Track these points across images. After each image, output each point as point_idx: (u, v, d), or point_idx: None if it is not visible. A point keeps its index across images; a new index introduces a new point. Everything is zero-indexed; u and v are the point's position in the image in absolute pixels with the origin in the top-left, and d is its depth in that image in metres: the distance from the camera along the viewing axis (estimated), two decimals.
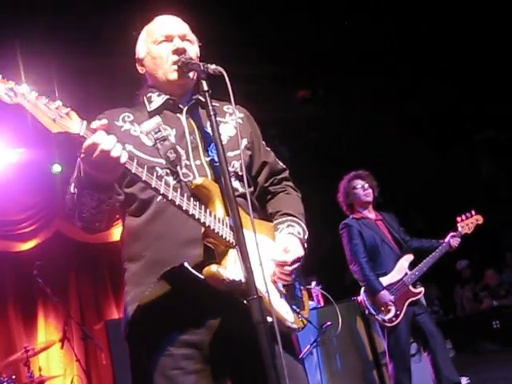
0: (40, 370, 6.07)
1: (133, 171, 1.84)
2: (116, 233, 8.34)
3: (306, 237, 2.29)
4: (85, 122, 1.80)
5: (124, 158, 1.81)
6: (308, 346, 5.57)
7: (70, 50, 6.03)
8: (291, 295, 2.19)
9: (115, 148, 1.79)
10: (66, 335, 6.32)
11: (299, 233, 2.26)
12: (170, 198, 1.89)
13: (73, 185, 1.99)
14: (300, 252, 2.18)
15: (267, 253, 2.12)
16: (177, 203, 1.89)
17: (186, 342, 2.01)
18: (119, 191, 2.12)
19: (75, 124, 1.78)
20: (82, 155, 1.82)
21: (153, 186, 1.86)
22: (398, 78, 8.19)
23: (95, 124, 1.83)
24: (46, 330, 7.70)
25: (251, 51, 6.83)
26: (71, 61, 6.20)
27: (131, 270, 2.13)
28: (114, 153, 1.78)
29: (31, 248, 7.66)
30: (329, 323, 5.73)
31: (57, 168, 7.63)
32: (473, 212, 5.45)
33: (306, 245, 2.26)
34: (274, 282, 2.13)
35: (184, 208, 1.90)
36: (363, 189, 5.35)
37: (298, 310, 2.18)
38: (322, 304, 6.41)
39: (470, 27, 7.44)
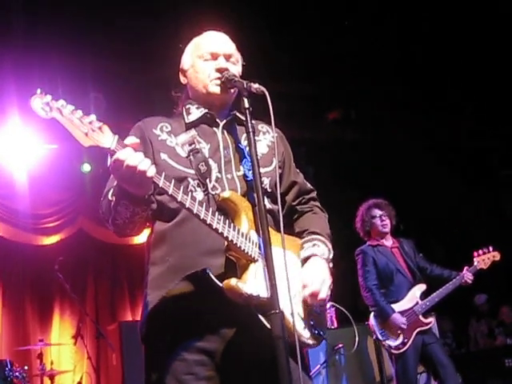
0: (52, 363, 6.15)
1: (160, 185, 1.91)
2: (138, 236, 8.45)
3: (331, 256, 2.33)
4: (116, 137, 1.87)
5: (151, 173, 1.88)
6: (318, 366, 5.59)
7: (107, 54, 6.18)
8: (309, 311, 2.22)
9: (142, 163, 1.86)
10: (80, 332, 6.42)
11: (323, 253, 2.30)
12: (195, 213, 1.95)
13: (111, 192, 2.06)
14: (327, 278, 2.22)
15: (292, 269, 2.16)
16: (201, 217, 1.95)
17: (200, 348, 2.05)
18: (153, 200, 2.18)
19: (107, 138, 1.85)
20: (112, 170, 1.90)
21: (179, 200, 1.93)
22: (430, 106, 8.20)
23: (128, 140, 1.91)
24: (61, 326, 7.78)
25: (282, 68, 6.87)
26: (108, 66, 6.34)
27: (153, 273, 2.18)
28: (140, 167, 1.85)
29: (53, 243, 7.76)
30: (340, 345, 5.75)
31: (86, 167, 7.76)
32: (490, 248, 5.44)
33: (331, 264, 2.31)
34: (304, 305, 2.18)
35: (208, 222, 1.96)
36: (381, 219, 5.40)
37: (315, 326, 2.22)
38: (336, 325, 6.43)
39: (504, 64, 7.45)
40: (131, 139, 1.92)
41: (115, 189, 2.02)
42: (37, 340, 6.33)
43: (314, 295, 2.16)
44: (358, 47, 6.97)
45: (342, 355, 5.75)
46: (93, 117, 1.84)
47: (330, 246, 2.36)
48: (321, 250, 2.30)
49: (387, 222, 5.40)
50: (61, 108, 1.78)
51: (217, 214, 1.99)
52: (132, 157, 1.85)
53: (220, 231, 1.98)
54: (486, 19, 6.79)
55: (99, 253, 8.30)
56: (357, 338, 5.14)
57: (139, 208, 2.03)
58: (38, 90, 1.77)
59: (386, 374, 5.93)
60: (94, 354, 6.72)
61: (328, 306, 6.45)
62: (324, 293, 2.18)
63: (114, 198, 2.03)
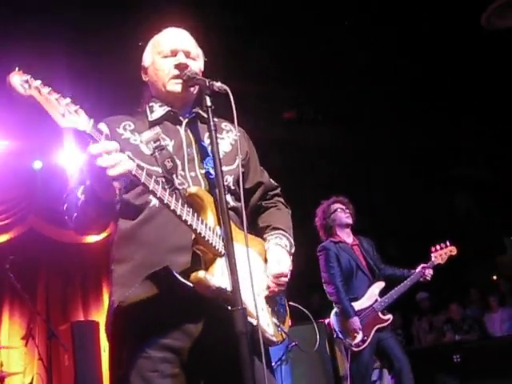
0: (1, 365, 6.01)
1: (133, 172, 1.89)
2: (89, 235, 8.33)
3: (292, 250, 2.40)
4: (92, 120, 1.85)
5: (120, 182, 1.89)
6: (273, 363, 5.61)
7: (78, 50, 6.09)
8: (273, 309, 2.26)
9: (116, 167, 1.83)
10: (31, 333, 6.29)
11: (286, 245, 2.37)
12: (165, 202, 1.94)
13: (81, 189, 2.04)
14: (289, 263, 2.30)
15: (254, 266, 2.18)
16: (172, 207, 1.95)
17: (166, 346, 2.05)
18: (119, 201, 2.15)
19: (83, 121, 1.83)
20: (87, 163, 1.87)
21: (150, 188, 1.91)
22: (389, 105, 8.35)
23: (102, 127, 1.89)
24: (10, 327, 7.59)
25: (239, 66, 6.89)
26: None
27: (118, 271, 2.17)
28: (110, 172, 1.83)
29: (3, 242, 7.57)
30: (295, 342, 5.80)
31: (38, 164, 7.61)
32: (447, 243, 5.57)
33: (291, 257, 2.37)
34: (266, 294, 2.22)
35: (178, 213, 1.96)
36: (344, 212, 5.47)
37: (278, 324, 2.25)
38: (290, 324, 6.47)
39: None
40: (105, 127, 1.91)
41: (86, 188, 1.99)
42: None
43: (279, 275, 2.22)
44: (321, 46, 7.04)
45: (297, 352, 5.79)
46: (68, 99, 1.82)
47: (291, 240, 2.43)
48: (283, 242, 2.37)
49: (349, 214, 5.48)
50: (39, 87, 1.76)
51: (186, 206, 2.00)
52: (108, 157, 1.82)
53: (189, 223, 1.97)
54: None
55: (51, 251, 8.13)
56: (318, 336, 5.18)
57: (105, 211, 2.02)
58: (17, 68, 1.75)
59: (340, 371, 6.02)
60: (45, 354, 6.57)
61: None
62: (286, 276, 2.26)
63: (83, 197, 2.01)
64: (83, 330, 6.99)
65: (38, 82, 1.77)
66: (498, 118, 8.61)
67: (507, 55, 7.16)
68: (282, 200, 2.61)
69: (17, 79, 1.73)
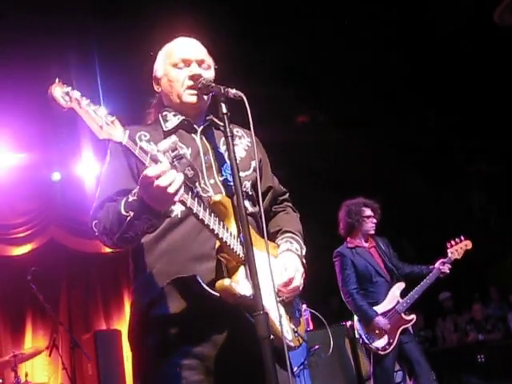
0: (26, 375, 6.05)
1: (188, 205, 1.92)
2: None
3: (303, 253, 2.38)
4: (127, 132, 1.86)
5: (179, 196, 1.86)
6: (295, 368, 5.61)
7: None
8: (290, 314, 2.26)
9: (173, 184, 1.84)
10: (54, 343, 6.32)
11: (297, 249, 2.35)
12: (194, 212, 1.95)
13: (123, 206, 1.97)
14: (299, 269, 2.27)
15: (275, 274, 2.19)
16: (200, 217, 1.96)
17: (190, 353, 2.06)
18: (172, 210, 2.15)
19: (118, 132, 1.84)
20: (140, 186, 1.88)
21: (183, 200, 1.92)
22: (397, 106, 8.33)
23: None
24: (34, 337, 7.66)
25: (252, 71, 6.91)
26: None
27: (140, 279, 2.19)
28: (170, 189, 1.83)
29: (25, 253, 7.66)
30: (317, 346, 5.79)
31: (56, 176, 7.69)
32: (462, 237, 5.52)
33: (304, 260, 2.35)
34: (280, 300, 2.20)
35: (206, 222, 1.97)
36: (371, 221, 5.41)
37: (295, 329, 2.25)
38: (311, 327, 6.47)
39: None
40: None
41: (134, 203, 1.93)
42: (9, 352, 6.21)
43: (287, 283, 2.19)
44: (328, 50, 7.05)
45: (319, 356, 5.79)
46: (105, 110, 1.83)
47: (302, 243, 2.41)
48: (294, 246, 2.35)
49: (374, 224, 5.43)
50: (79, 99, 1.77)
51: (212, 215, 2.01)
52: (165, 177, 1.82)
53: (216, 232, 1.99)
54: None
55: (72, 262, 8.21)
56: (331, 341, 5.17)
57: (159, 221, 2.01)
58: (57, 79, 1.76)
59: (363, 374, 5.99)
60: (68, 364, 6.62)
61: (303, 308, 6.54)
62: (298, 280, 2.23)
63: (131, 214, 1.94)
64: (106, 339, 7.04)
65: (78, 94, 1.78)
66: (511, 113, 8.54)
67: None
68: (291, 205, 2.62)
69: (58, 91, 1.74)
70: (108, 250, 7.98)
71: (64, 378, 6.77)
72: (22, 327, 7.67)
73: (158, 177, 1.82)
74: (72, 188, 7.78)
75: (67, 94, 1.75)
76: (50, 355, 6.32)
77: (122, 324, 8.20)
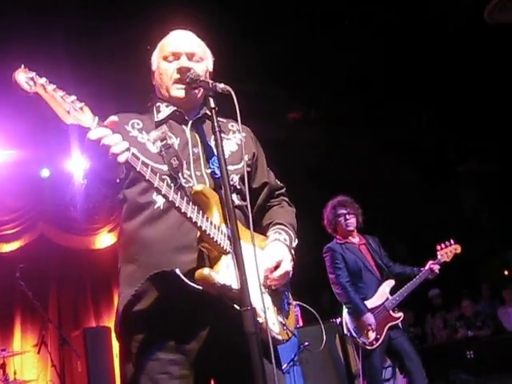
0: (15, 373, 6.04)
1: (137, 169, 1.88)
2: (99, 241, 8.35)
3: (293, 245, 2.37)
4: (97, 118, 1.86)
5: (123, 158, 1.84)
6: (285, 365, 5.62)
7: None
8: (278, 307, 2.24)
9: (117, 145, 1.84)
10: (43, 340, 6.30)
11: (285, 239, 2.33)
12: (170, 199, 1.94)
13: (83, 175, 2.03)
14: (286, 256, 2.25)
15: (260, 264, 2.18)
16: (176, 205, 1.95)
17: (174, 348, 2.06)
18: (122, 187, 2.17)
19: (88, 118, 1.84)
20: (87, 148, 1.87)
21: (155, 185, 1.91)
22: (389, 104, 8.34)
23: (107, 120, 1.89)
24: (22, 335, 7.61)
25: (243, 67, 6.90)
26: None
27: (125, 272, 2.19)
28: (114, 149, 1.83)
29: (14, 250, 7.62)
30: (307, 343, 5.80)
31: (45, 172, 7.64)
32: (452, 241, 5.57)
33: (293, 252, 2.34)
34: (267, 289, 2.20)
35: (183, 210, 1.96)
36: (345, 218, 5.43)
37: (284, 322, 2.23)
38: (301, 324, 6.47)
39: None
40: (109, 119, 1.89)
41: (87, 171, 1.98)
42: None
43: (276, 267, 2.19)
44: (319, 48, 7.04)
45: (309, 353, 5.79)
46: (74, 97, 1.83)
47: (292, 234, 2.40)
48: (282, 236, 2.34)
49: (352, 220, 5.44)
50: (45, 84, 1.77)
51: (191, 203, 2.00)
52: (109, 137, 1.83)
53: (194, 220, 1.98)
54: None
55: (61, 259, 8.16)
56: (324, 336, 5.17)
57: (110, 191, 2.02)
58: (22, 65, 1.76)
59: (353, 371, 6.01)
60: (58, 361, 6.59)
61: (294, 304, 6.54)
62: (286, 265, 2.22)
63: (85, 181, 2.01)
64: (95, 336, 7.02)
65: (43, 80, 1.77)
66: (502, 113, 8.58)
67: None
68: (287, 199, 2.62)
69: (22, 76, 1.74)
70: (98, 246, 8.01)
71: (53, 375, 6.76)
72: (10, 325, 7.61)
73: (103, 137, 1.82)
74: (61, 184, 7.72)
75: (31, 79, 1.75)
76: (38, 352, 6.30)
77: (112, 321, 8.13)
